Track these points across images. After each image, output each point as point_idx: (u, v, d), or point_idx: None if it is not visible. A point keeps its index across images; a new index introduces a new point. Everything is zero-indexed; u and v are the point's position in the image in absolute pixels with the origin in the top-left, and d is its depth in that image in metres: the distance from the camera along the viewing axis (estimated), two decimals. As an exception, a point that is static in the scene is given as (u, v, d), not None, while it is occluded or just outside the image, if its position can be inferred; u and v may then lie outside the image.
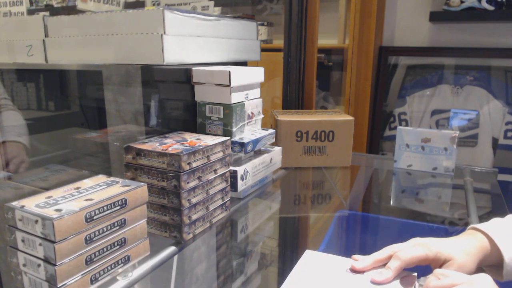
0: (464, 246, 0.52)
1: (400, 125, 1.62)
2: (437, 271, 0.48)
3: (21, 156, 0.95)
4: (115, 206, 0.48)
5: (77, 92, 1.04)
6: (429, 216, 0.93)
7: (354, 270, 0.52)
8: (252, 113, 0.79)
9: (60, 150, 0.97)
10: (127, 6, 1.10)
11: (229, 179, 0.69)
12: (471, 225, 0.57)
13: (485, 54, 1.52)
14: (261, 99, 0.82)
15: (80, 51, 0.77)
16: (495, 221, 0.57)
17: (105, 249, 0.48)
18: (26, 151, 0.97)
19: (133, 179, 0.61)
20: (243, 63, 0.93)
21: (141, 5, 1.07)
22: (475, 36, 1.54)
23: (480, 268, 0.55)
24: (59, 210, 0.44)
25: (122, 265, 0.51)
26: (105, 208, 0.47)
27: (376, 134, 1.69)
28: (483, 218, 0.79)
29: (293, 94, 1.29)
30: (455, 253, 0.51)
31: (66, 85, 1.07)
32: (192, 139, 0.66)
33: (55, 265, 0.43)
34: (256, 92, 0.81)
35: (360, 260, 0.53)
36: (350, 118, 1.02)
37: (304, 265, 0.55)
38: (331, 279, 0.51)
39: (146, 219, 0.54)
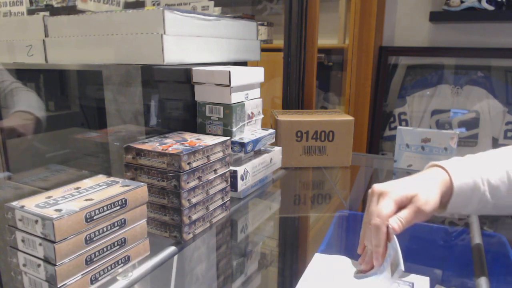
0: (426, 183, 0.54)
1: (400, 125, 1.62)
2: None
3: (26, 120, 0.95)
4: (115, 206, 0.48)
5: (77, 92, 1.04)
6: (429, 216, 0.93)
7: (363, 272, 0.53)
8: (252, 113, 0.79)
9: (60, 150, 0.97)
10: (127, 6, 1.10)
11: (229, 179, 0.69)
12: (431, 162, 0.59)
13: (485, 54, 1.52)
14: (261, 99, 0.82)
15: (80, 51, 0.77)
16: (454, 158, 0.59)
17: (105, 249, 0.48)
18: (36, 121, 0.97)
19: (133, 179, 0.61)
20: (243, 63, 0.93)
21: (141, 5, 1.07)
22: (475, 36, 1.54)
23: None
24: (59, 210, 0.44)
25: (122, 265, 0.51)
26: (105, 208, 0.47)
27: (376, 134, 1.69)
28: (483, 218, 0.79)
29: (293, 94, 1.29)
30: (419, 191, 0.53)
31: (66, 85, 1.07)
32: (192, 139, 0.66)
33: (55, 265, 0.43)
34: (256, 92, 0.81)
35: (364, 264, 0.54)
36: (350, 118, 1.02)
37: (314, 269, 0.55)
38: (342, 283, 0.52)
39: (146, 219, 0.54)
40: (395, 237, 0.51)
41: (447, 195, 0.54)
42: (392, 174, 1.09)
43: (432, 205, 0.52)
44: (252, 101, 0.79)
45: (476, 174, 0.53)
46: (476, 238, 0.67)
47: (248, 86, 0.77)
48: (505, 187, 0.53)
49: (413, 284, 0.50)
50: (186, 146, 0.61)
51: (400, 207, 0.53)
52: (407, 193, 0.53)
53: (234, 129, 0.74)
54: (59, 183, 0.58)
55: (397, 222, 0.51)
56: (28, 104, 1.01)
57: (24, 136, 0.97)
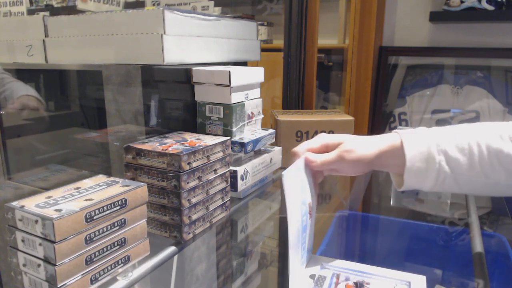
0: (365, 138, 0.54)
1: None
2: None
3: (31, 105, 0.98)
4: (115, 206, 0.48)
5: (77, 92, 1.04)
6: (429, 216, 0.94)
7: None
8: (252, 113, 0.79)
9: (60, 150, 0.97)
10: (127, 6, 1.10)
11: (229, 179, 0.69)
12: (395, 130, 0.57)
13: (485, 54, 1.52)
14: (261, 99, 0.82)
15: (80, 51, 0.77)
16: (418, 128, 0.55)
17: (105, 249, 0.48)
18: (40, 103, 0.99)
19: (133, 179, 0.61)
20: (243, 63, 0.93)
21: (141, 5, 1.07)
22: (475, 36, 1.54)
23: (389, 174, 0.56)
24: (59, 210, 0.44)
25: (122, 265, 0.51)
26: (105, 208, 0.47)
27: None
28: (483, 218, 0.79)
29: (293, 94, 1.29)
30: (347, 140, 0.54)
31: (66, 85, 1.07)
32: (192, 139, 0.66)
33: (55, 265, 0.43)
34: (256, 92, 0.81)
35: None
36: (350, 118, 1.02)
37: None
38: None
39: (146, 219, 0.54)
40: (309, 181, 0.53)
41: (398, 164, 0.51)
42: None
43: (356, 156, 0.52)
44: (252, 101, 0.79)
45: (432, 143, 0.50)
46: (476, 238, 0.67)
47: (248, 86, 0.77)
48: (466, 160, 0.48)
49: (410, 283, 0.50)
50: (186, 146, 0.61)
51: (327, 150, 0.54)
52: (335, 139, 0.54)
53: (234, 129, 0.74)
54: (59, 183, 0.58)
55: (314, 156, 0.53)
56: (27, 90, 1.02)
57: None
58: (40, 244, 0.43)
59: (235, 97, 0.73)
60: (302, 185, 0.52)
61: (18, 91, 1.01)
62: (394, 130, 0.55)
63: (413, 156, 0.50)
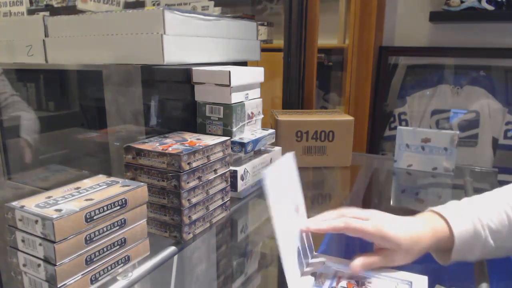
0: (413, 233, 0.52)
1: (400, 125, 1.62)
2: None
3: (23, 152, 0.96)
4: (115, 206, 0.48)
5: (77, 92, 1.04)
6: (429, 216, 0.93)
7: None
8: (252, 113, 0.79)
9: (60, 150, 0.97)
10: (127, 6, 1.10)
11: (229, 179, 0.69)
12: (429, 208, 0.57)
13: (485, 54, 1.52)
14: (261, 99, 0.82)
15: (80, 51, 0.77)
16: (451, 203, 0.57)
17: (105, 249, 0.48)
18: (30, 148, 0.98)
19: (133, 179, 0.61)
20: (243, 63, 0.93)
21: (141, 5, 1.07)
22: (475, 36, 1.53)
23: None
24: (59, 210, 0.44)
25: (122, 265, 0.51)
26: (105, 208, 0.47)
27: (376, 134, 1.68)
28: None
29: (293, 94, 1.29)
30: (401, 241, 0.51)
31: (66, 85, 1.07)
32: (192, 139, 0.66)
33: (55, 265, 0.43)
34: (256, 92, 0.81)
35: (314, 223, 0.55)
36: (350, 118, 1.02)
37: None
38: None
39: (146, 219, 0.54)
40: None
41: (445, 243, 0.53)
42: (392, 174, 1.09)
43: (409, 257, 0.51)
44: (252, 101, 0.79)
45: (475, 218, 0.53)
46: (476, 238, 0.67)
47: (248, 86, 0.77)
48: (506, 230, 0.52)
49: (411, 283, 0.50)
50: (186, 146, 0.61)
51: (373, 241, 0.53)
52: (390, 240, 0.51)
53: (234, 129, 0.73)
54: (59, 183, 0.58)
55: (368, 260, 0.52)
56: (22, 128, 1.02)
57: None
58: (40, 244, 0.43)
59: (235, 97, 0.73)
60: (285, 184, 0.52)
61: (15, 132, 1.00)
62: (432, 209, 0.56)
63: (461, 234, 0.52)
